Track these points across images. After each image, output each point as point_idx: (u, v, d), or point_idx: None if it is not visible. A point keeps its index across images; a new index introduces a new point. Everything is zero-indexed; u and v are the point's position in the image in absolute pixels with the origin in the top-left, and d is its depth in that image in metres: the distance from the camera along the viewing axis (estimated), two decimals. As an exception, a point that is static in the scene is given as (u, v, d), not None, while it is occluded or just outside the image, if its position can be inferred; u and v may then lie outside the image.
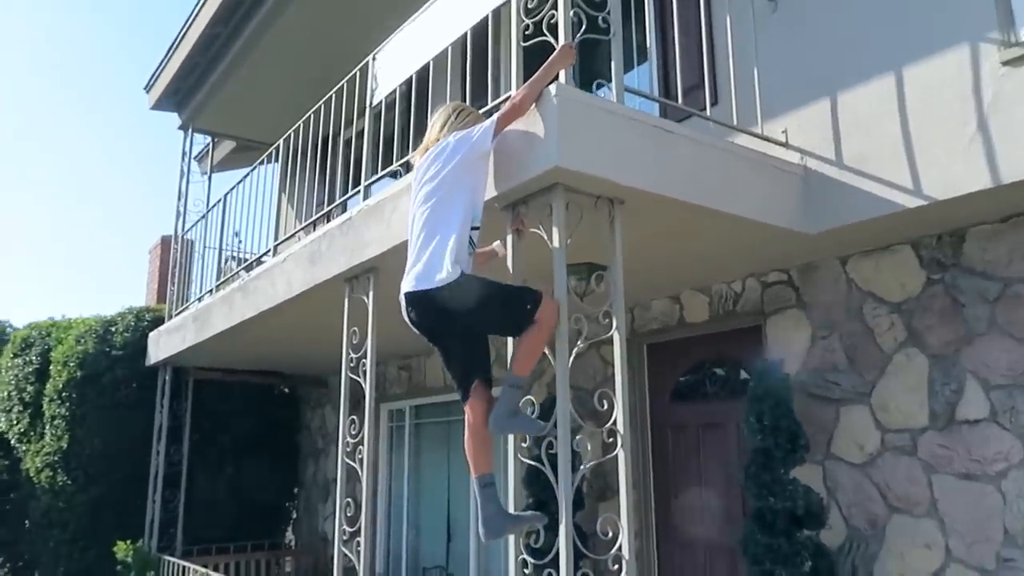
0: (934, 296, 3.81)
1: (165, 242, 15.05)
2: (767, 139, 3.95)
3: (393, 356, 7.99)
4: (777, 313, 4.53)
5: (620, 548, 2.94)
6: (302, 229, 5.55)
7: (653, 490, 5.24)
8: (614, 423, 3.07)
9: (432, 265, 2.86)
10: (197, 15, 7.30)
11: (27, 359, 8.88)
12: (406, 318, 3.03)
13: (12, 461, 9.07)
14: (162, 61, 8.16)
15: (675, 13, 3.93)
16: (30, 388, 8.73)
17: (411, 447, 8.13)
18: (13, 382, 9.00)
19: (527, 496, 5.60)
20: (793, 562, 3.59)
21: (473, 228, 3.01)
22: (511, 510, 3.07)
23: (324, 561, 8.98)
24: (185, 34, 7.61)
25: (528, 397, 3.17)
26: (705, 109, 3.94)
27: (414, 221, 3.04)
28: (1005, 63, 3.16)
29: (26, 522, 8.86)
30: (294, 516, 9.98)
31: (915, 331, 3.87)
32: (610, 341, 3.10)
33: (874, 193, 3.56)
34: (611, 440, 3.07)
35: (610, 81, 3.35)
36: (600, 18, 3.30)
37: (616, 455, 3.04)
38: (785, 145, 3.96)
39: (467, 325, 2.97)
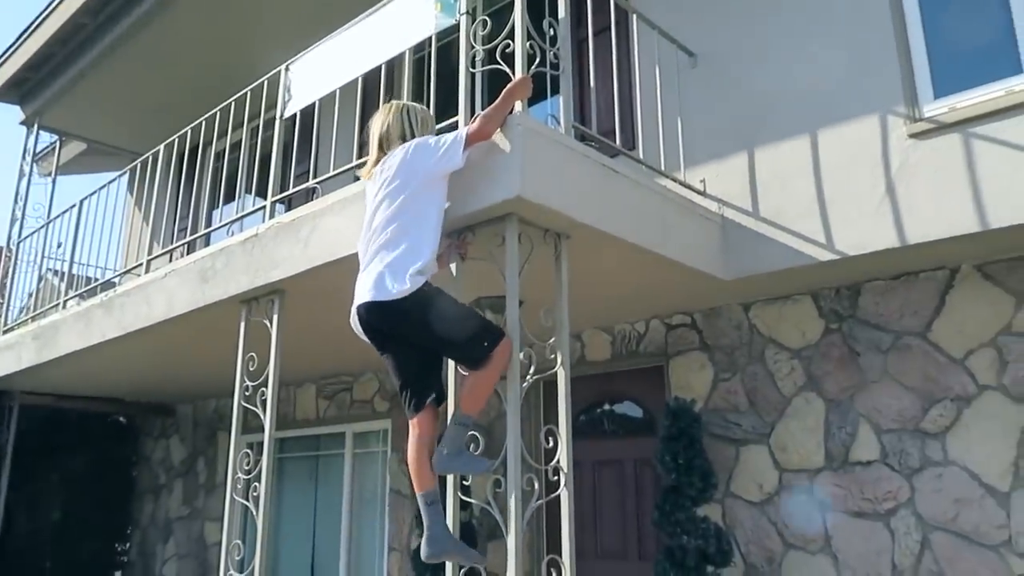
0: (832, 344, 4.09)
1: (-20, 250, 13.43)
2: (688, 186, 4.11)
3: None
4: (680, 355, 4.69)
5: (562, 591, 2.87)
6: (187, 243, 5.10)
7: (546, 528, 5.20)
8: (558, 461, 3.02)
9: (395, 274, 2.76)
10: (62, 1, 6.62)
11: None
12: (356, 326, 2.91)
13: None
14: (10, 47, 7.31)
15: (592, 55, 4.02)
16: None
17: (272, 482, 7.59)
18: None
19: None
20: (705, 599, 3.67)
21: None
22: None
23: (161, 609, 8.17)
24: (43, 21, 6.87)
25: (473, 433, 3.03)
26: (636, 150, 4.05)
27: (374, 226, 2.91)
28: (911, 135, 3.49)
29: None
30: (124, 560, 9.02)
31: (813, 376, 4.13)
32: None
33: (788, 245, 3.79)
34: (555, 478, 3.01)
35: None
36: (552, 53, 3.30)
37: (560, 494, 2.99)
38: (703, 194, 4.14)
39: (423, 338, 2.85)
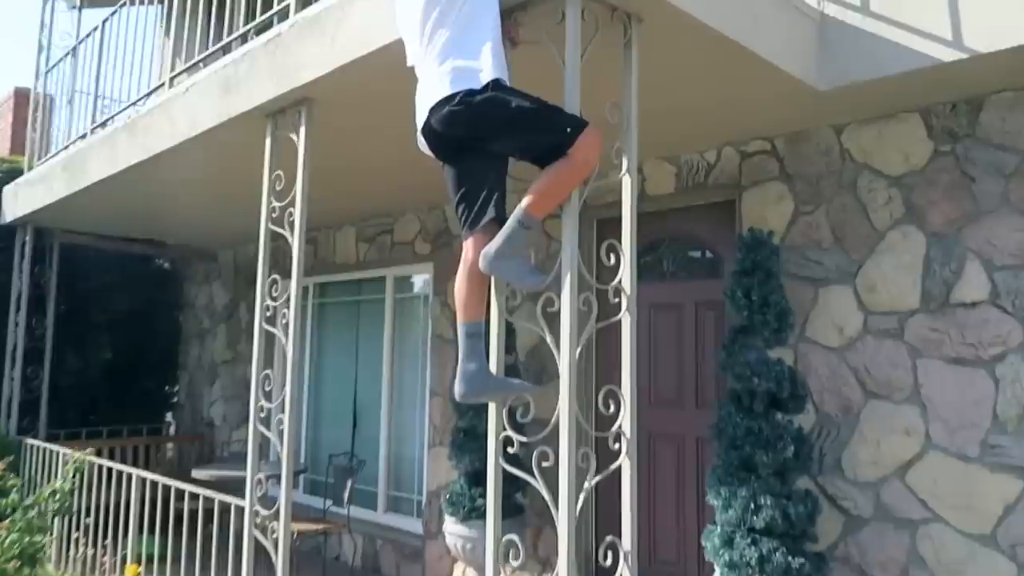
0: (941, 169, 3.51)
1: (20, 95, 13.13)
2: (783, -25, 3.43)
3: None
4: (755, 186, 4.15)
5: (621, 426, 2.53)
6: (210, 54, 4.59)
7: (595, 373, 4.90)
8: (620, 281, 2.61)
9: (463, 70, 2.35)
10: None
11: None
12: (422, 134, 2.53)
13: None
14: None
15: None
16: None
17: (313, 328, 7.46)
18: None
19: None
20: (775, 447, 3.31)
21: None
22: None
23: (210, 446, 8.32)
24: None
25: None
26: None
27: (427, 28, 2.47)
28: None
29: None
30: (174, 400, 9.17)
31: (915, 207, 3.58)
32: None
33: (903, 44, 3.15)
34: (616, 300, 2.61)
35: None
36: None
37: (620, 318, 2.60)
38: (800, -15, 3.47)
39: (495, 140, 2.44)
